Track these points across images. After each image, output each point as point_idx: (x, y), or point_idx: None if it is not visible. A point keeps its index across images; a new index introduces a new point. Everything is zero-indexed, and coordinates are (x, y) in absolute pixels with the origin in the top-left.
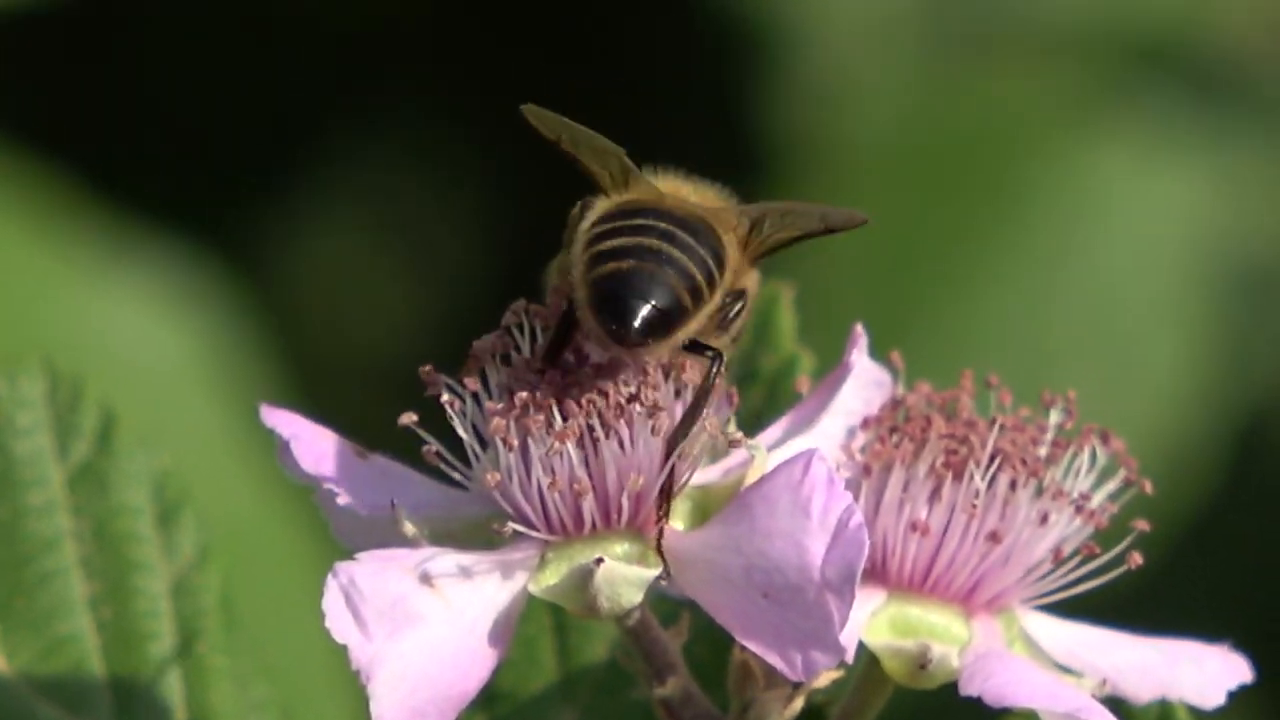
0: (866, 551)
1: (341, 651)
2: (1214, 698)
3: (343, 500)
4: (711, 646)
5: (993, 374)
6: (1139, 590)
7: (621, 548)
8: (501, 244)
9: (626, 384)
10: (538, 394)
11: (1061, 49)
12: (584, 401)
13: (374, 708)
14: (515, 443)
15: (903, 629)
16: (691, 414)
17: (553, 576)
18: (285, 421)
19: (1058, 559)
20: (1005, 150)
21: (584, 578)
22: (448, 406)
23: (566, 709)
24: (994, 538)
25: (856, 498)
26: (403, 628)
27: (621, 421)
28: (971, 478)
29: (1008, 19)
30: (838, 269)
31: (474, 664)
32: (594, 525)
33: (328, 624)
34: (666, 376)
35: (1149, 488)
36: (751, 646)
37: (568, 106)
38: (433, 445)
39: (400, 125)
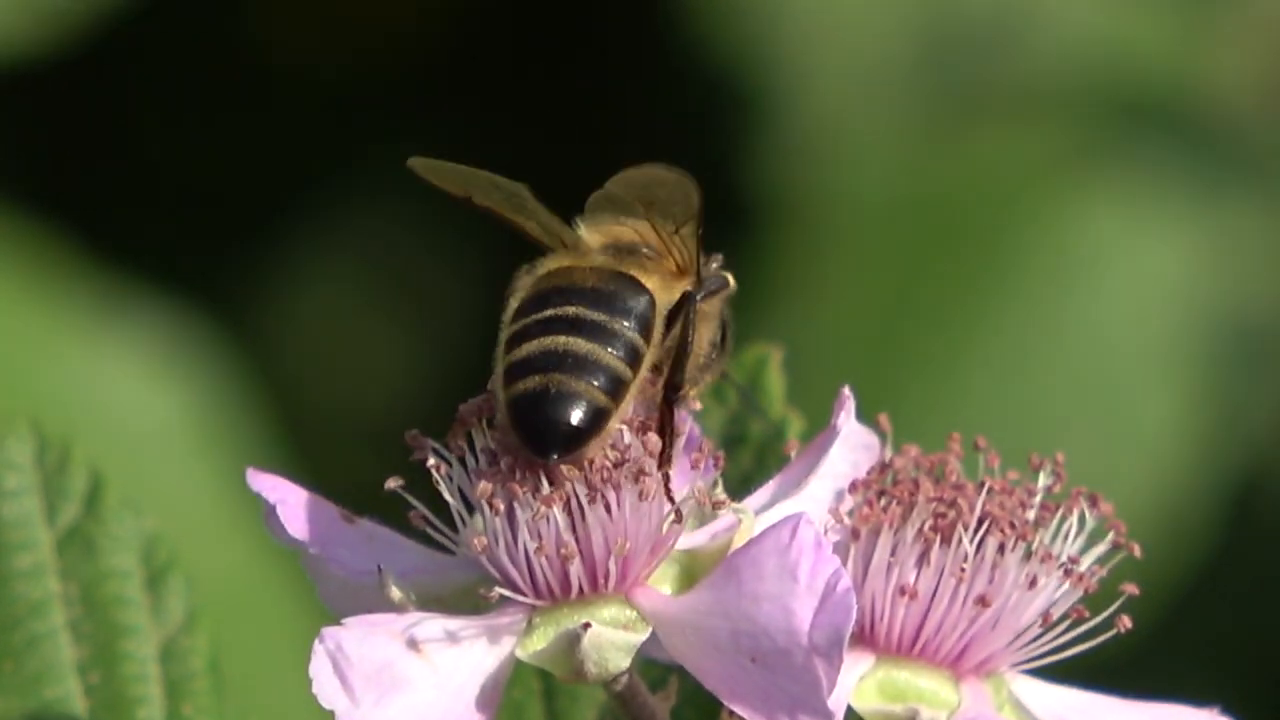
0: (854, 615)
1: (329, 717)
2: None
3: (329, 565)
4: (699, 711)
5: (980, 436)
6: (1132, 653)
7: (609, 612)
8: (498, 300)
9: (614, 448)
10: (524, 458)
11: (1053, 106)
12: (569, 466)
13: None
14: (502, 507)
15: (891, 693)
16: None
17: (540, 641)
18: (271, 486)
19: (1046, 622)
20: (996, 208)
21: (571, 643)
22: (434, 471)
23: None
24: (982, 601)
25: (844, 561)
26: (390, 693)
27: (608, 486)
28: (960, 541)
29: (999, 75)
30: (827, 326)
31: None
32: (581, 590)
33: (315, 690)
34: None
35: (1138, 551)
36: (739, 711)
37: (560, 162)
38: (419, 510)
39: (396, 180)
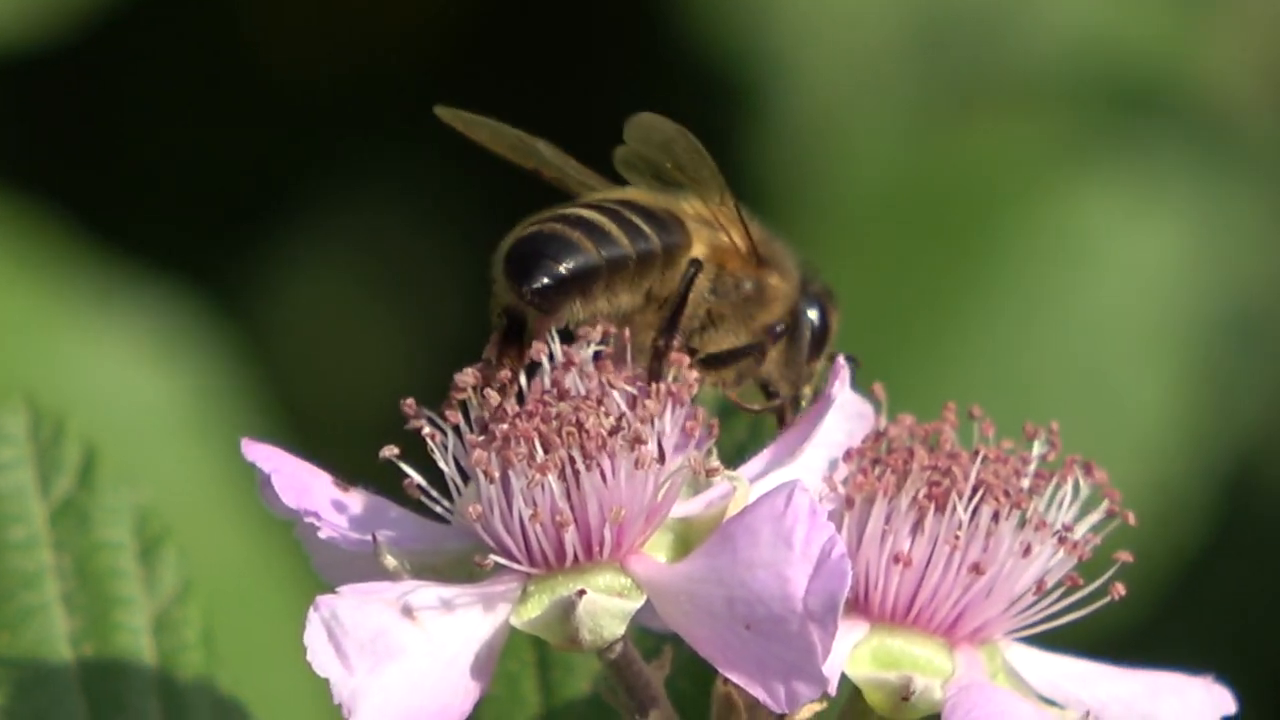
0: (849, 582)
1: (323, 685)
2: None
3: (324, 534)
4: (694, 679)
5: (975, 406)
6: (1126, 636)
7: (604, 580)
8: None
9: (608, 415)
10: (519, 426)
11: (1048, 96)
12: (565, 433)
13: None
14: (496, 475)
15: (885, 661)
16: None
17: (534, 609)
18: (266, 456)
19: (1041, 590)
20: (991, 198)
21: (566, 610)
22: (429, 440)
23: None
24: (977, 569)
25: (839, 529)
26: (384, 661)
27: (604, 453)
28: (954, 509)
29: (996, 66)
30: None
31: (456, 697)
32: (576, 557)
33: (309, 657)
34: (649, 408)
35: (1132, 519)
36: (734, 678)
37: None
38: (414, 479)
39: (391, 170)
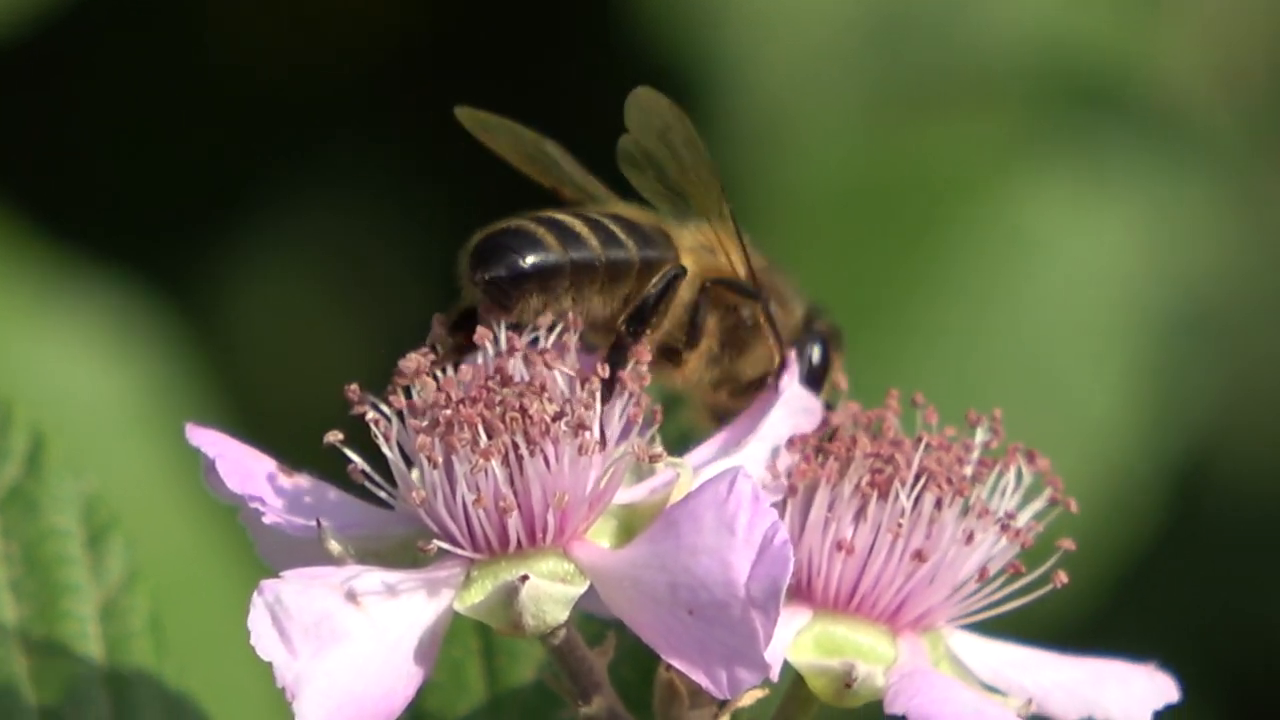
0: (791, 568)
1: (268, 670)
2: (1140, 717)
3: (268, 519)
4: (637, 666)
5: (918, 393)
6: (1077, 631)
7: (547, 565)
8: (451, 286)
9: (552, 401)
10: (463, 411)
11: (1001, 93)
12: (509, 419)
13: None
14: (440, 460)
15: (828, 648)
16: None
17: (478, 594)
18: (211, 441)
19: (983, 578)
20: (944, 193)
21: (509, 595)
22: (372, 425)
23: None
24: (919, 556)
25: (782, 516)
26: (328, 645)
27: (547, 439)
28: (897, 497)
29: (948, 63)
30: None
31: (399, 682)
32: (519, 543)
33: (253, 641)
34: (593, 395)
35: (1074, 507)
36: (677, 664)
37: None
38: (358, 464)
39: (349, 166)
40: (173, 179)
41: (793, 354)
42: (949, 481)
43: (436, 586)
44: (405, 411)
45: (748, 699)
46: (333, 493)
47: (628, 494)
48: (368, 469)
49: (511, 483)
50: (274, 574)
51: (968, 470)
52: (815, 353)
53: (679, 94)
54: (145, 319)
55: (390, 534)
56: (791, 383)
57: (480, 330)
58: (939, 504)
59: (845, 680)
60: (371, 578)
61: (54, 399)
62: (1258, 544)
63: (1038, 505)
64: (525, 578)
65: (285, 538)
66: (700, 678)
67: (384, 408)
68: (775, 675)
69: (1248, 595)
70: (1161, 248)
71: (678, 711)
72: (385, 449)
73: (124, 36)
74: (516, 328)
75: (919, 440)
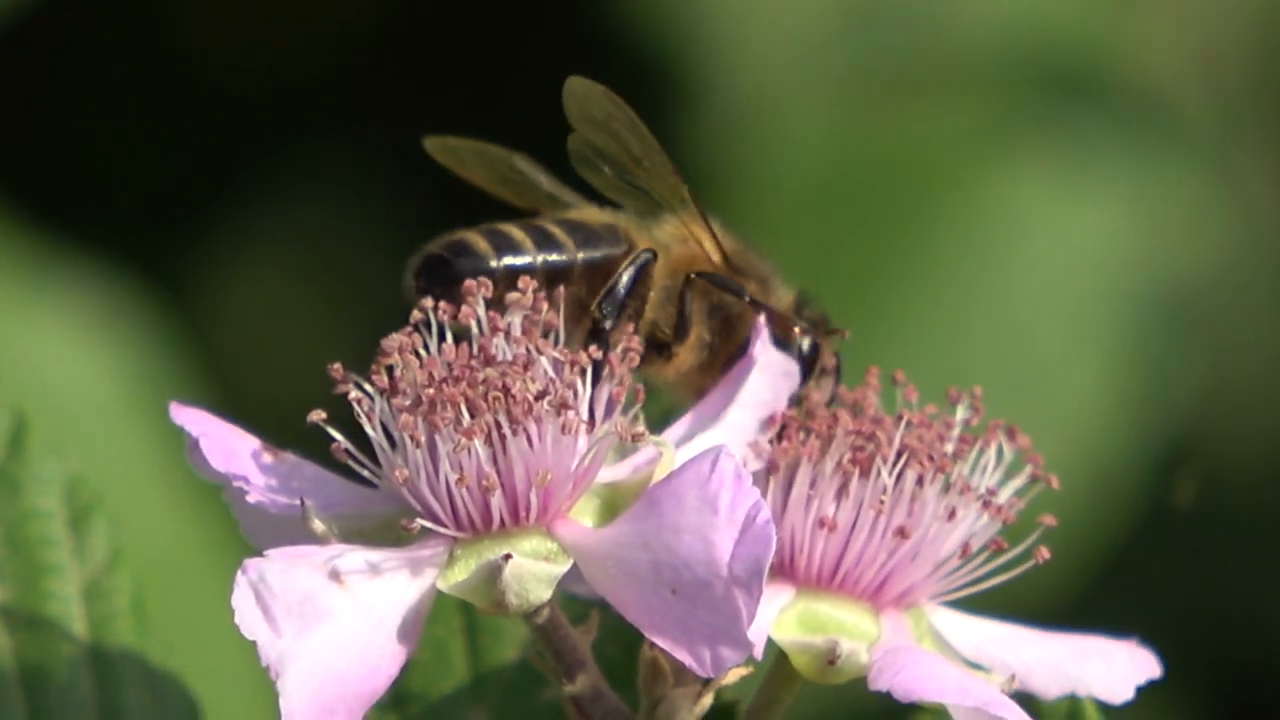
0: (774, 547)
1: (251, 650)
2: (1122, 693)
3: (252, 498)
4: (621, 645)
5: (899, 371)
6: (1060, 611)
7: (530, 544)
8: None
9: (535, 381)
10: (446, 391)
11: (980, 80)
12: (491, 398)
13: (283, 704)
14: (423, 439)
15: (811, 625)
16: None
17: (461, 573)
18: (195, 420)
19: (966, 554)
20: (924, 180)
21: (492, 574)
22: (355, 404)
23: (477, 710)
24: (902, 533)
25: (764, 494)
26: (312, 624)
27: (530, 418)
28: (879, 474)
29: (928, 50)
30: None
31: (383, 660)
32: (503, 522)
33: (237, 620)
34: (576, 374)
35: (1055, 483)
36: (660, 643)
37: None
38: (341, 443)
39: (330, 159)
40: (158, 170)
41: (760, 319)
42: (930, 458)
43: (420, 565)
44: (388, 390)
45: (731, 677)
46: (317, 472)
47: (610, 473)
48: (351, 448)
49: (494, 462)
50: (258, 553)
51: (949, 447)
52: (804, 341)
53: (660, 82)
54: (129, 306)
55: (374, 513)
56: (766, 347)
57: (464, 310)
58: (920, 481)
59: (829, 657)
60: (355, 556)
61: (39, 385)
62: (1237, 526)
63: (1019, 482)
64: (508, 556)
65: (269, 516)
66: (684, 656)
67: (367, 387)
68: (759, 653)
69: (1227, 576)
70: (1141, 234)
71: (662, 689)
72: (368, 428)
73: (110, 30)
74: (499, 308)
75: (900, 418)
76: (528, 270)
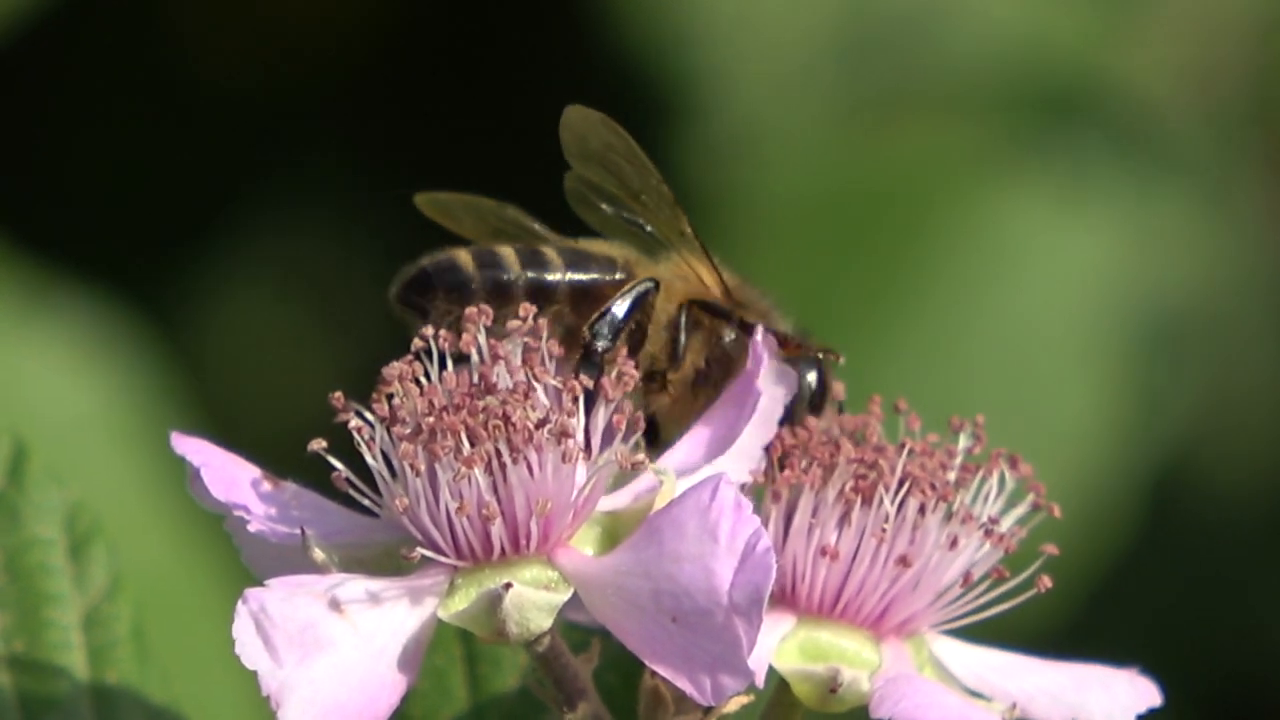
0: (774, 575)
1: (252, 679)
2: None
3: (253, 527)
4: (622, 673)
5: (901, 399)
6: (1057, 634)
7: (531, 573)
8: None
9: (535, 409)
10: (446, 419)
11: (976, 100)
12: (491, 427)
13: None
14: (423, 468)
15: (813, 653)
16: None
17: (462, 602)
18: (196, 449)
19: (967, 583)
20: (919, 203)
21: (493, 603)
22: (355, 433)
23: None
24: (903, 562)
25: (765, 522)
26: (312, 653)
27: (530, 446)
28: (881, 502)
29: (923, 71)
30: None
31: (383, 689)
32: (503, 550)
33: (238, 650)
34: (576, 402)
35: (1057, 512)
36: (661, 671)
37: (482, 166)
38: (342, 472)
39: (323, 184)
40: (150, 196)
41: (759, 335)
42: (932, 487)
43: (420, 594)
44: (388, 419)
45: (732, 705)
46: (317, 501)
47: (611, 501)
48: (352, 476)
49: (495, 490)
50: (258, 582)
51: (951, 476)
52: (811, 376)
53: (655, 102)
54: (124, 334)
55: (374, 542)
56: (766, 370)
57: (465, 337)
58: (923, 509)
59: (830, 685)
60: (355, 585)
61: (34, 412)
62: (1234, 549)
63: (1020, 511)
64: (509, 585)
65: (270, 546)
66: (684, 684)
67: (368, 415)
68: (760, 681)
69: (1225, 600)
70: (1137, 255)
71: (663, 717)
72: (368, 457)
73: (100, 55)
74: (500, 335)
75: (902, 446)
76: (508, 286)
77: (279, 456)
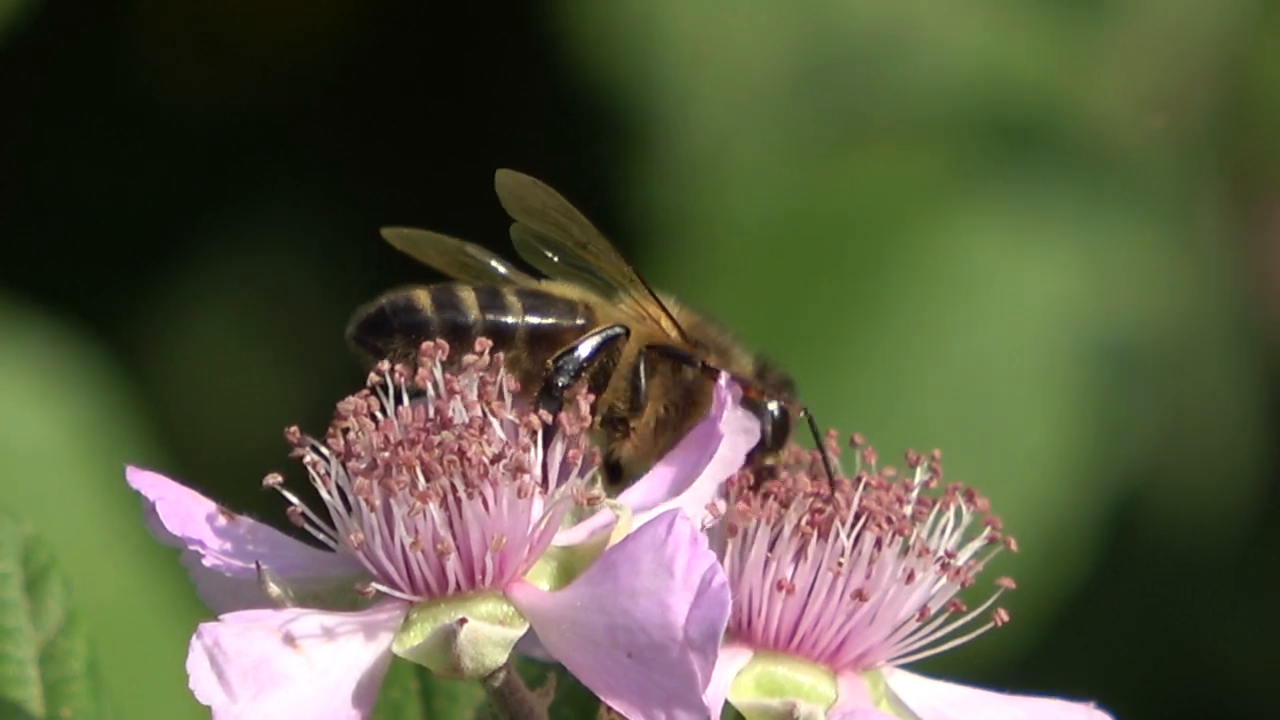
0: (729, 610)
1: (207, 713)
2: None
3: (209, 561)
4: (578, 707)
5: (857, 434)
6: (1016, 666)
7: (486, 608)
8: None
9: (491, 444)
10: (401, 454)
11: (933, 128)
12: (447, 462)
13: None
14: (378, 503)
15: (769, 688)
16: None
17: (417, 637)
18: (151, 483)
19: (924, 617)
20: (876, 230)
21: (448, 638)
22: (310, 468)
23: None
24: (860, 596)
25: (721, 557)
26: (267, 688)
27: (485, 481)
28: (837, 536)
29: (881, 100)
30: None
31: None
32: (458, 585)
33: (192, 685)
34: (532, 437)
35: (1014, 545)
36: (617, 706)
37: (445, 188)
38: (297, 506)
39: (285, 211)
40: (110, 222)
41: (723, 381)
42: (889, 521)
43: (375, 629)
44: (344, 454)
45: None
46: (273, 535)
47: (567, 536)
48: (307, 511)
49: (450, 525)
50: (213, 616)
51: (907, 510)
52: (773, 407)
53: (614, 130)
54: (82, 363)
55: (330, 576)
56: (727, 410)
57: (421, 372)
58: (879, 543)
59: None
60: (310, 620)
61: None
62: (1192, 580)
63: (977, 544)
64: (464, 620)
65: (226, 580)
66: (639, 719)
67: (323, 450)
68: (715, 717)
69: (1183, 631)
70: (1095, 284)
71: None
72: (324, 492)
73: (60, 81)
74: (455, 370)
75: (858, 480)
76: (466, 329)
77: (239, 486)
